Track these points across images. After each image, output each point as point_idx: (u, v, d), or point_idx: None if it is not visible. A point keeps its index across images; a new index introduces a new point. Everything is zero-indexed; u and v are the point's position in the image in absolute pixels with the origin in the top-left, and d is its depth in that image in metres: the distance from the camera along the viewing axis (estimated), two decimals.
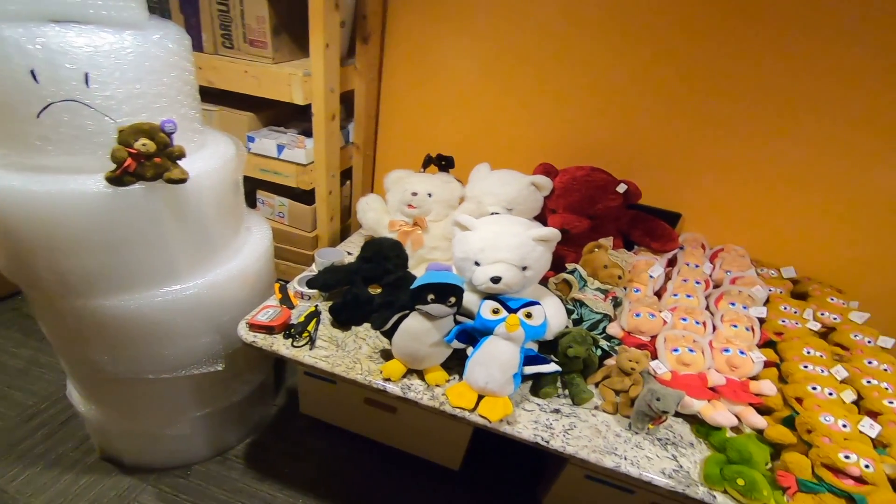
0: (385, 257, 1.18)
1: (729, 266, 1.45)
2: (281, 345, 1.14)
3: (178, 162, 0.98)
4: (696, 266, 1.44)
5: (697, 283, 1.37)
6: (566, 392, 1.13)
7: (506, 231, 1.07)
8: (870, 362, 1.16)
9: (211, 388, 1.38)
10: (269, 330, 1.16)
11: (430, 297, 1.00)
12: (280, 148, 1.42)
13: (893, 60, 1.21)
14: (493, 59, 1.49)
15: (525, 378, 1.12)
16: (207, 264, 1.18)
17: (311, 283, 1.26)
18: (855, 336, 1.25)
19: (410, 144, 1.67)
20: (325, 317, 1.24)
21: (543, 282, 1.31)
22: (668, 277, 1.42)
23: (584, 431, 1.04)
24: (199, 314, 1.20)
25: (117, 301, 1.07)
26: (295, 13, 1.19)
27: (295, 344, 1.14)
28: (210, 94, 1.45)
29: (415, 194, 1.36)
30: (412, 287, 1.02)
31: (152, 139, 0.93)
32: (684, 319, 1.22)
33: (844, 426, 0.96)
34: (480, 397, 1.04)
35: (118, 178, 0.92)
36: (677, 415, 1.10)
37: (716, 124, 1.39)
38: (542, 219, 1.46)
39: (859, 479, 0.90)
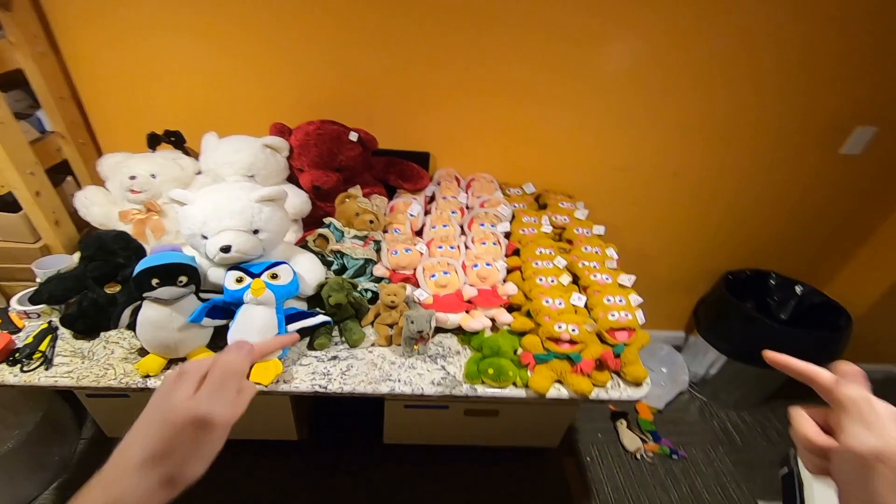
0: (110, 251, 1.08)
1: (479, 192, 1.61)
2: (7, 373, 1.00)
3: None
4: (453, 198, 1.58)
5: (453, 212, 1.50)
6: (344, 339, 1.17)
7: (224, 198, 1.03)
8: (586, 248, 1.41)
9: None
10: None
11: (155, 281, 0.95)
12: None
13: None
14: (199, 13, 1.37)
15: (300, 336, 1.14)
16: None
17: (34, 299, 1.10)
18: (577, 230, 1.50)
19: (137, 124, 1.47)
20: (66, 331, 1.10)
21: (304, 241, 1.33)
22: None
23: (361, 369, 1.10)
24: None
25: None
26: None
27: (24, 369, 1.00)
28: None
29: (133, 178, 1.25)
30: (133, 275, 0.95)
31: None
32: (440, 247, 1.34)
33: (560, 304, 1.17)
34: (251, 366, 1.03)
35: None
36: (445, 331, 1.23)
37: (446, 65, 1.48)
38: (295, 181, 1.45)
39: (572, 342, 1.10)
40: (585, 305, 1.22)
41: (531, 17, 1.41)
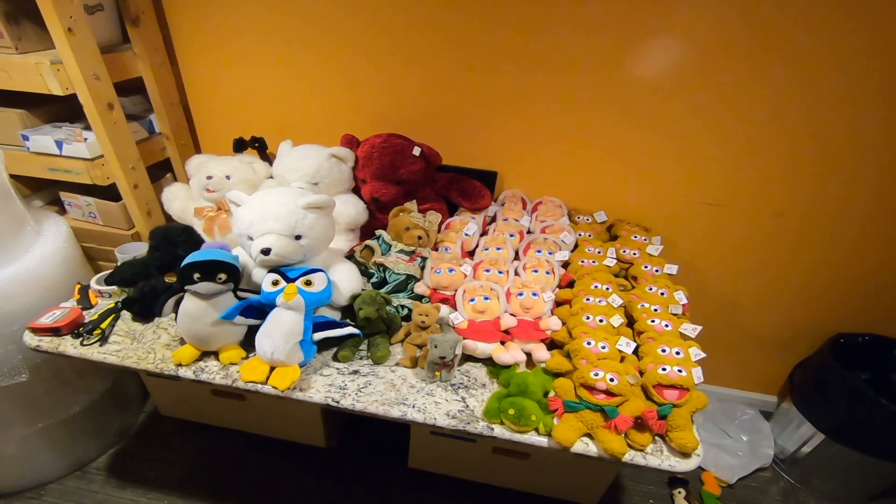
0: (172, 243, 1.16)
1: (545, 217, 1.52)
2: (69, 345, 1.10)
3: None
4: (515, 220, 1.50)
5: (511, 235, 1.43)
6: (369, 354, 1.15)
7: (272, 202, 1.06)
8: (650, 289, 1.27)
9: (34, 401, 1.33)
10: (54, 332, 1.11)
11: (196, 275, 1.00)
12: (59, 144, 1.34)
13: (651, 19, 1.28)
14: (296, 30, 1.46)
15: (329, 345, 1.14)
16: None
17: (109, 280, 1.21)
18: (645, 267, 1.35)
19: (233, 130, 1.61)
20: (127, 312, 1.21)
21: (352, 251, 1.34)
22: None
23: (378, 387, 1.07)
24: None
25: None
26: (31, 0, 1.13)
27: (84, 343, 1.11)
28: None
29: (210, 178, 1.34)
30: (179, 268, 1.01)
31: None
32: (487, 271, 1.27)
33: (603, 347, 1.05)
34: (273, 369, 1.05)
35: None
36: (475, 360, 1.16)
37: (519, 79, 1.43)
38: (359, 191, 1.48)
39: (609, 393, 0.98)
40: (636, 353, 1.08)
41: (614, 24, 1.31)
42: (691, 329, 1.12)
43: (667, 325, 1.13)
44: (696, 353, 1.05)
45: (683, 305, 1.22)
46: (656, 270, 1.34)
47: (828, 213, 1.45)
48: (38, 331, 1.11)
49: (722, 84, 1.33)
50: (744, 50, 1.27)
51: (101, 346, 1.11)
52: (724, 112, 1.37)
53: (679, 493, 1.57)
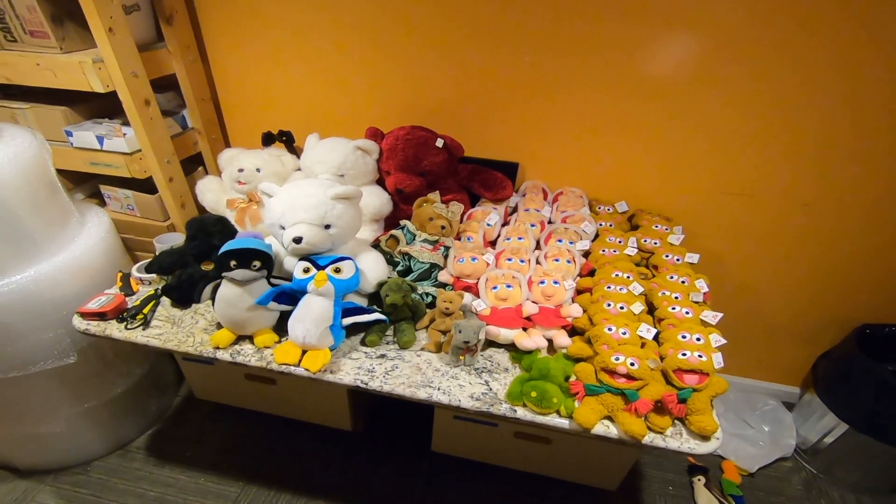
0: (208, 233, 1.22)
1: (565, 207, 1.55)
2: (114, 329, 1.17)
3: None
4: (536, 211, 1.53)
5: (532, 225, 1.46)
6: (396, 339, 1.20)
7: (302, 193, 1.11)
8: (671, 277, 1.28)
9: (80, 382, 1.40)
10: (101, 316, 1.18)
11: (233, 263, 1.05)
12: (100, 139, 1.41)
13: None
14: (321, 27, 1.51)
15: (356, 330, 1.19)
16: (28, 261, 1.20)
17: (149, 268, 1.28)
18: (666, 256, 1.36)
19: (261, 124, 1.67)
20: (166, 299, 1.27)
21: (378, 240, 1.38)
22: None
23: (405, 371, 1.11)
24: (30, 310, 1.21)
25: None
26: (74, 1, 1.19)
27: (128, 326, 1.17)
28: (34, 94, 1.44)
29: (241, 170, 1.39)
30: (216, 256, 1.06)
31: None
32: (509, 260, 1.30)
33: (624, 333, 1.07)
34: (305, 353, 1.10)
35: None
36: (497, 345, 1.19)
37: (542, 66, 1.44)
38: (384, 183, 1.51)
39: (630, 377, 1.00)
40: (656, 339, 1.10)
41: (637, 11, 1.31)
42: (712, 316, 1.14)
43: (687, 313, 1.15)
44: (716, 339, 1.07)
45: (704, 294, 1.24)
46: (677, 259, 1.35)
47: (854, 203, 1.44)
48: (86, 315, 1.18)
49: (749, 71, 1.32)
50: (775, 36, 1.26)
51: (143, 330, 1.17)
52: (751, 100, 1.36)
53: (699, 480, 1.58)
